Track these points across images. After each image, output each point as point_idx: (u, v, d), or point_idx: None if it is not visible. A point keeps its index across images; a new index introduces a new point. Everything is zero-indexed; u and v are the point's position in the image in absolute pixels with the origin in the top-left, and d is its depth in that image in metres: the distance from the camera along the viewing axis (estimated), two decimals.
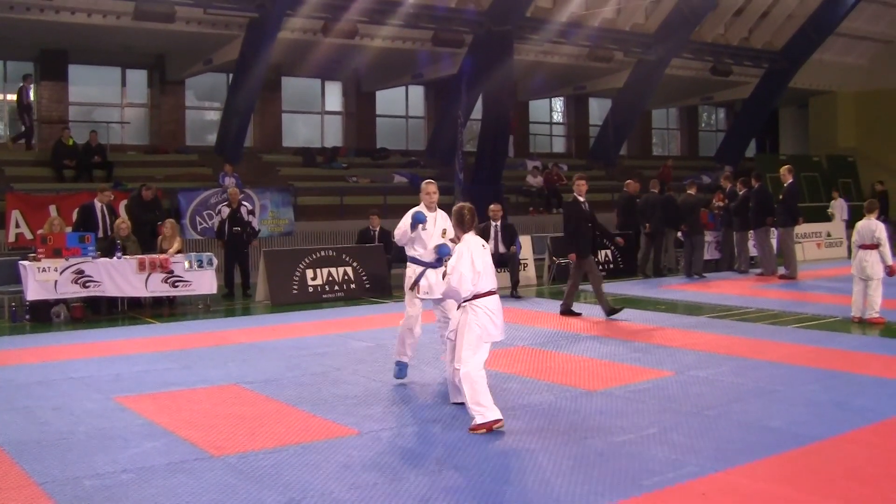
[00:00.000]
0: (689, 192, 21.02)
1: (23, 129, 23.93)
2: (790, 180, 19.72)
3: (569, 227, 14.55)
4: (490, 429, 7.61)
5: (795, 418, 8.00)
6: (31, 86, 24.07)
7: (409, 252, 9.75)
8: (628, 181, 22.57)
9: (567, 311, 14.53)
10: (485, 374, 7.88)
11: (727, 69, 32.51)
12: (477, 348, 7.88)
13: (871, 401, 8.62)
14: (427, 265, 9.56)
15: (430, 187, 9.84)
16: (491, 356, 10.90)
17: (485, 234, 17.41)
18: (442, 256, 9.14)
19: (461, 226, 8.32)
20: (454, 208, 8.48)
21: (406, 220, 9.55)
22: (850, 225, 21.14)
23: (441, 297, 8.85)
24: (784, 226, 19.76)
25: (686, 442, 7.30)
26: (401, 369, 9.70)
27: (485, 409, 7.66)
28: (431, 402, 8.80)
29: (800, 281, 19.10)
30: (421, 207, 9.68)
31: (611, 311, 14.20)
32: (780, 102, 37.02)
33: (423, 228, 9.57)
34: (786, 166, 20.23)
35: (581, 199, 14.32)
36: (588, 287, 15.26)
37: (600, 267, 20.66)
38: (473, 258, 7.97)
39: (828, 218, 27.50)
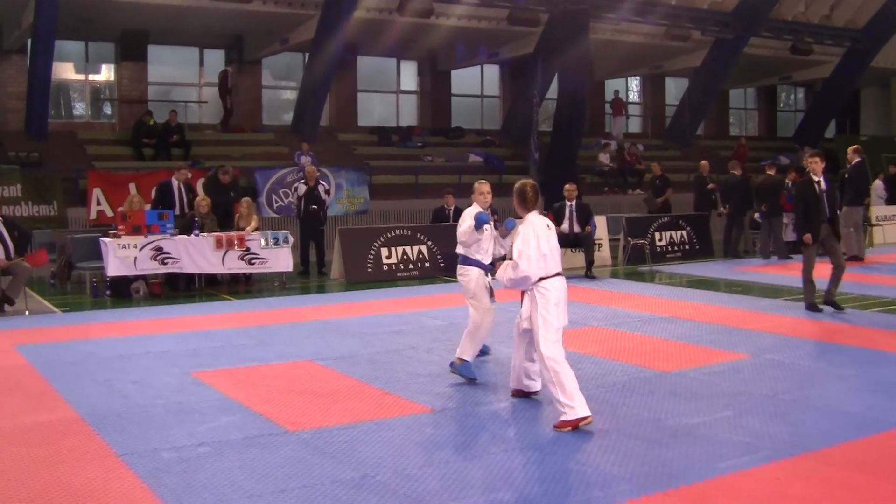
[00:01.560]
0: (768, 172, 20.72)
1: (224, 111, 26.08)
2: (857, 160, 19.33)
3: (798, 208, 13.21)
4: (576, 427, 7.15)
5: (874, 404, 7.88)
6: (230, 72, 25.96)
7: (469, 254, 9.16)
8: (702, 161, 22.44)
9: (813, 307, 12.88)
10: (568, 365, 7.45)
11: (807, 48, 31.85)
12: (556, 336, 7.50)
13: None
14: (487, 268, 9.17)
15: (484, 187, 9.35)
16: (565, 336, 10.92)
17: (559, 214, 17.36)
18: (481, 224, 8.89)
19: (524, 204, 7.82)
20: (516, 186, 7.93)
21: (468, 220, 9.00)
22: None
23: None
24: (851, 205, 19.42)
25: (760, 426, 7.22)
26: (470, 370, 8.91)
27: (570, 408, 7.18)
28: (505, 381, 8.79)
29: (885, 264, 18.74)
30: (475, 208, 9.17)
31: (810, 307, 12.88)
32: (862, 82, 36.21)
33: (485, 230, 9.05)
34: (852, 146, 19.83)
35: (815, 178, 12.75)
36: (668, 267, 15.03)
37: (675, 248, 20.52)
38: (539, 240, 7.51)
39: None
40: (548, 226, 7.76)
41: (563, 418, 7.20)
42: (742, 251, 20.91)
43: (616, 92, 33.81)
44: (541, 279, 7.54)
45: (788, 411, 7.65)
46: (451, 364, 8.94)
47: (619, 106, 33.41)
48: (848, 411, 7.63)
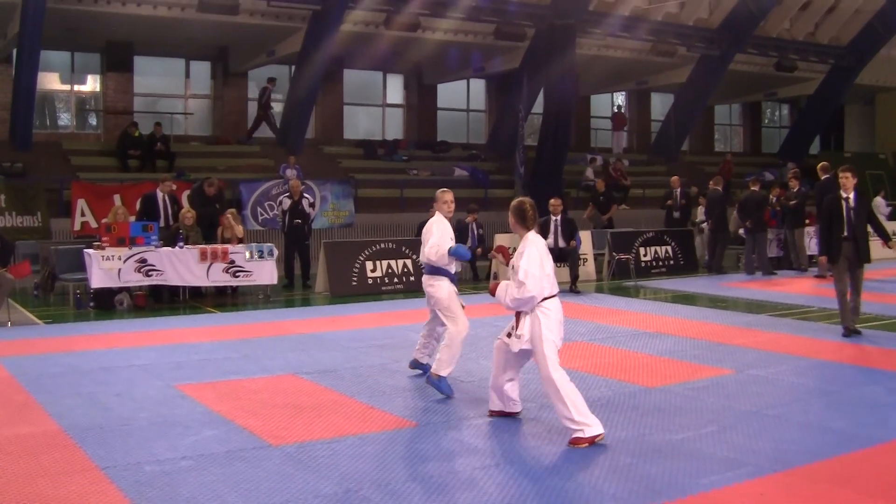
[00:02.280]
0: (752, 188, 20.78)
1: (264, 123, 26.56)
2: (824, 177, 19.35)
3: (822, 224, 12.77)
4: (592, 443, 7.11)
5: (857, 420, 7.90)
6: (270, 89, 26.33)
7: (442, 265, 9.12)
8: (673, 177, 22.79)
9: (850, 332, 12.13)
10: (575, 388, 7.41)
11: (792, 65, 32.03)
12: (556, 356, 7.42)
13: None
14: (455, 278, 9.30)
15: (447, 195, 9.32)
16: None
17: (544, 229, 17.37)
18: (459, 259, 9.20)
19: (523, 222, 7.59)
20: (513, 204, 7.73)
21: (436, 236, 9.05)
22: None
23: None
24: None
25: (745, 441, 7.23)
26: (442, 382, 8.83)
27: (586, 426, 7.14)
28: (489, 396, 8.78)
29: (866, 280, 18.77)
30: (440, 218, 9.22)
31: (846, 332, 12.15)
32: (846, 99, 36.44)
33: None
34: (821, 164, 19.81)
35: (845, 194, 12.15)
36: (660, 283, 15.05)
37: (660, 263, 20.55)
38: (542, 259, 7.39)
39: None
40: (543, 244, 7.63)
41: (577, 435, 7.13)
42: (724, 267, 20.99)
43: (619, 107, 34.11)
44: (543, 299, 7.41)
45: (772, 427, 7.66)
46: (428, 378, 8.96)
47: (621, 121, 33.68)
48: (832, 427, 7.65)
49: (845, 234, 12.03)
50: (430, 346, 9.64)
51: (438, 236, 9.05)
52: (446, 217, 9.27)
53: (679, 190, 22.40)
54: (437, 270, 9.12)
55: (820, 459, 6.74)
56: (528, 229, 7.61)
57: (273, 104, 26.64)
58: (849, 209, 12.07)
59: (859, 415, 8.09)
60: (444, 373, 8.79)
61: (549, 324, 7.38)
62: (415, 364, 9.78)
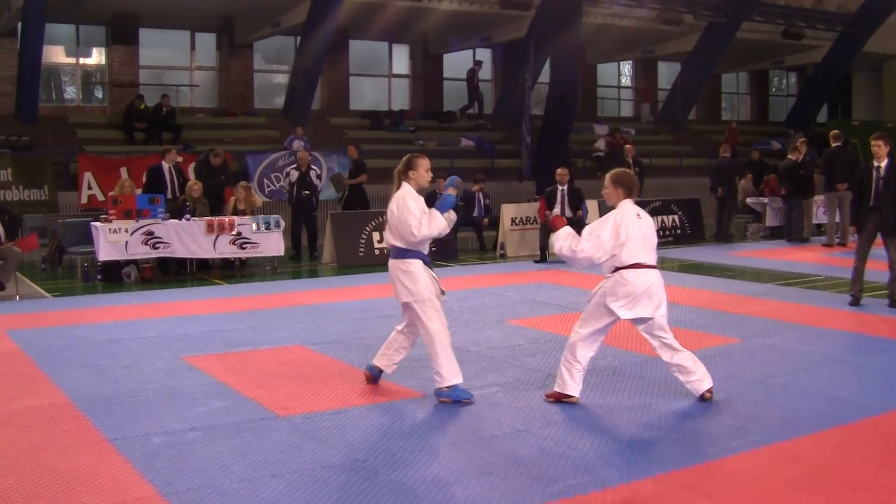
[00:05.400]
0: (723, 155, 20.96)
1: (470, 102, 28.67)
2: (835, 144, 19.24)
3: (854, 194, 12.52)
4: (558, 399, 7.39)
5: (864, 388, 7.90)
6: (477, 70, 27.66)
7: (412, 247, 7.70)
8: (627, 145, 22.77)
9: (854, 300, 12.15)
10: (591, 349, 7.50)
11: (799, 32, 31.81)
12: (593, 320, 7.45)
13: None
14: (425, 260, 7.78)
15: (426, 161, 7.84)
16: (556, 320, 11.00)
17: (551, 198, 17.35)
18: (448, 208, 7.65)
19: (629, 191, 7.48)
20: (620, 172, 7.61)
21: (416, 208, 7.58)
22: None
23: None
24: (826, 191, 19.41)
25: (751, 410, 7.24)
26: (456, 390, 7.63)
27: (564, 383, 7.39)
28: (496, 365, 8.81)
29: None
30: (409, 191, 7.70)
31: (852, 300, 12.14)
32: (854, 67, 36.21)
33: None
34: (833, 132, 19.75)
35: (877, 163, 11.84)
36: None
37: (667, 233, 20.51)
38: (620, 228, 7.23)
39: None
40: (638, 215, 7.45)
41: (554, 388, 7.48)
42: (732, 235, 21.00)
43: (645, 80, 34.36)
44: (617, 269, 7.33)
45: (779, 395, 7.67)
46: (439, 394, 7.64)
47: (648, 92, 33.76)
48: (838, 396, 7.65)
49: (872, 203, 11.84)
50: (403, 348, 8.13)
51: (420, 210, 7.60)
52: (420, 188, 7.83)
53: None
54: (406, 252, 7.70)
55: (826, 428, 6.75)
56: (628, 197, 7.48)
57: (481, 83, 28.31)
58: (878, 178, 11.83)
59: (866, 383, 8.10)
60: (455, 380, 7.61)
61: (614, 291, 7.32)
62: (373, 370, 8.22)
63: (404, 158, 7.84)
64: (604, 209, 19.99)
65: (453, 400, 7.53)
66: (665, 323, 7.54)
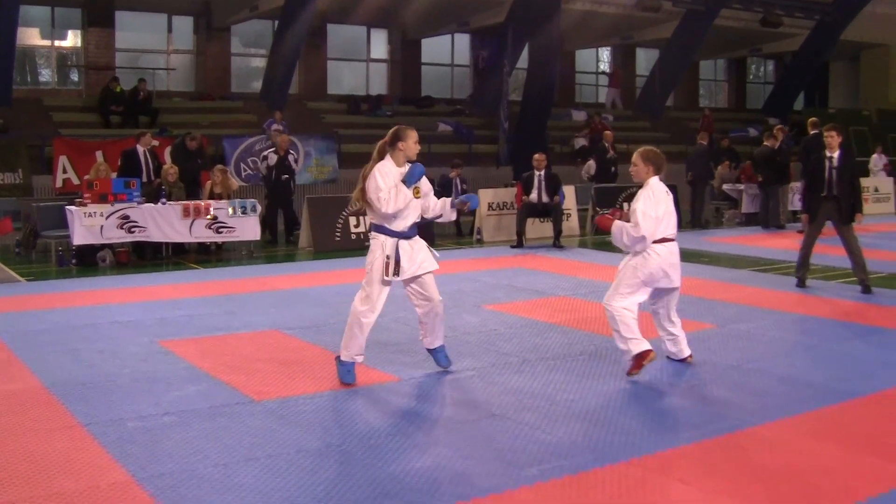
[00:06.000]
0: (700, 142, 21.05)
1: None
2: (813, 132, 19.32)
3: (805, 182, 12.84)
4: (640, 366, 7.69)
5: (837, 374, 7.95)
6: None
7: (381, 221, 7.62)
8: (606, 131, 22.88)
9: (800, 283, 12.56)
10: (635, 313, 7.83)
11: (777, 20, 31.88)
12: (635, 290, 7.84)
13: None
14: (401, 236, 7.61)
15: (415, 134, 7.73)
16: (532, 305, 11.03)
17: (528, 184, 17.37)
18: (416, 180, 7.54)
19: (659, 169, 7.97)
20: (650, 150, 8.06)
21: (389, 183, 7.47)
22: None
23: (413, 274, 7.63)
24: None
25: (725, 395, 7.29)
26: (349, 371, 7.69)
27: (629, 350, 7.71)
28: (472, 350, 8.81)
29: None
30: (390, 164, 7.62)
31: (798, 282, 12.54)
32: (831, 55, 36.38)
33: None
34: (811, 119, 19.88)
35: (829, 153, 12.04)
36: None
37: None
38: (658, 203, 7.78)
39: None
40: (666, 191, 7.96)
41: (625, 357, 7.80)
42: (704, 221, 21.10)
43: (615, 65, 34.27)
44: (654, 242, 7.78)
45: (754, 381, 7.71)
46: (337, 359, 7.77)
47: (618, 78, 33.74)
48: (812, 381, 7.70)
49: (825, 193, 12.05)
50: (427, 326, 8.02)
51: (388, 186, 7.46)
52: (401, 162, 7.66)
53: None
54: (375, 227, 7.67)
55: (801, 412, 6.79)
56: (657, 174, 7.95)
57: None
58: (831, 168, 12.04)
59: (840, 368, 8.14)
60: (347, 360, 7.67)
61: (646, 264, 7.78)
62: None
63: (392, 130, 7.76)
64: (581, 195, 20.12)
65: (340, 379, 7.63)
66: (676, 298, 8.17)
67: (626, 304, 7.79)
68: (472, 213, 18.02)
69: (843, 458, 5.88)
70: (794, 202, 21.35)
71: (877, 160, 26.29)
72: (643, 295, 7.89)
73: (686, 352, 8.24)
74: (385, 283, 7.57)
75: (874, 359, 8.53)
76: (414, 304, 7.90)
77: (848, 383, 7.60)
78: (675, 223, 8.00)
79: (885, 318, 10.42)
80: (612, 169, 21.93)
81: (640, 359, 7.66)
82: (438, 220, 8.22)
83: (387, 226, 7.56)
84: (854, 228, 12.13)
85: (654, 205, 7.74)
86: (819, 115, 25.68)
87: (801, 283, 12.53)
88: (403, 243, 7.58)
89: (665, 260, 7.81)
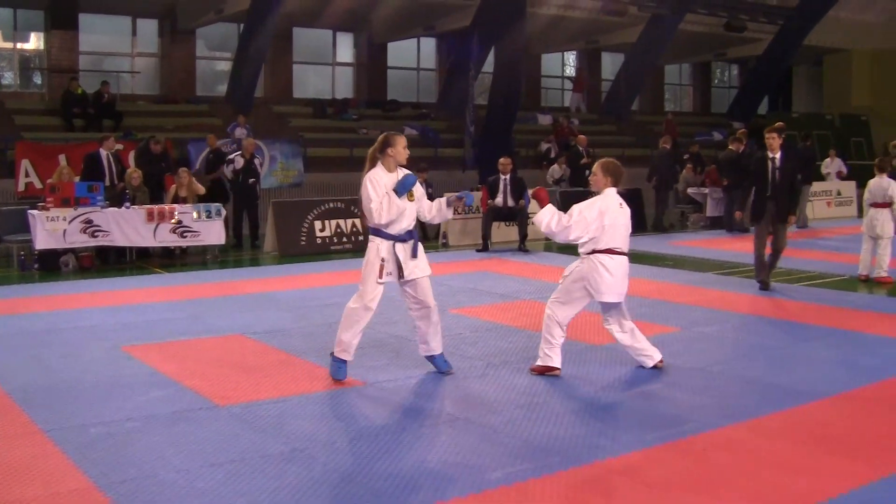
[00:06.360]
0: (663, 146, 21.19)
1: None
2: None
3: (747, 183, 13.23)
4: (542, 373, 7.96)
5: (799, 376, 8.02)
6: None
7: (376, 225, 7.75)
8: (580, 136, 23.03)
9: (763, 284, 12.68)
10: (563, 329, 8.01)
11: (741, 25, 32.15)
12: (571, 300, 7.97)
13: (876, 359, 8.64)
14: (397, 239, 7.79)
15: (404, 140, 7.85)
16: (497, 309, 11.05)
17: (494, 188, 17.39)
18: (406, 190, 7.66)
19: (617, 180, 8.00)
20: (608, 161, 8.07)
21: (384, 192, 7.60)
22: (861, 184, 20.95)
23: (408, 278, 7.83)
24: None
25: (689, 397, 7.33)
26: (340, 368, 7.91)
27: (546, 357, 8.01)
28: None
29: (809, 239, 19.05)
30: (381, 172, 7.74)
31: (761, 284, 12.71)
32: (795, 60, 36.71)
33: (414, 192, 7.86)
34: (777, 124, 19.98)
35: (771, 154, 12.46)
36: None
37: None
38: (604, 213, 7.76)
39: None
40: (620, 204, 7.96)
41: (537, 363, 8.07)
42: (669, 224, 21.23)
43: (579, 69, 34.36)
44: (594, 251, 7.83)
45: (716, 383, 7.77)
46: (332, 356, 7.95)
47: (581, 82, 33.86)
48: (774, 383, 7.76)
49: (769, 192, 12.41)
50: (422, 331, 8.13)
51: (380, 194, 7.60)
52: (394, 169, 7.80)
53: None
54: (372, 231, 7.82)
55: (763, 414, 6.84)
56: (612, 185, 7.99)
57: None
58: (774, 169, 12.42)
59: (801, 371, 8.21)
60: (345, 357, 7.87)
61: (589, 273, 7.84)
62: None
63: (381, 137, 7.89)
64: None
65: (332, 374, 7.87)
66: (625, 306, 8.17)
67: (558, 312, 8.00)
68: (469, 209, 18.07)
69: (807, 459, 5.93)
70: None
71: (828, 164, 26.47)
72: (580, 303, 8.03)
73: (655, 358, 8.23)
74: (379, 284, 7.77)
75: (834, 360, 8.63)
76: (408, 307, 8.08)
77: (809, 385, 7.67)
78: (626, 238, 8.00)
79: (845, 321, 10.51)
80: (587, 173, 22.03)
81: (546, 370, 8.01)
82: (435, 222, 8.51)
83: (382, 229, 7.74)
84: (787, 229, 12.69)
85: (595, 209, 7.78)
86: (783, 119, 25.89)
87: (764, 286, 12.62)
88: (399, 246, 7.78)
89: (612, 273, 7.82)
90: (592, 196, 8.01)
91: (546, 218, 7.81)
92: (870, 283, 13.23)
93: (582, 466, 5.75)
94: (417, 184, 7.85)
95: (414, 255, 7.88)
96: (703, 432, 6.42)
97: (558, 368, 7.97)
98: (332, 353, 7.94)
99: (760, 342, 9.44)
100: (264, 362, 8.54)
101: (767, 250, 12.66)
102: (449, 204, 8.06)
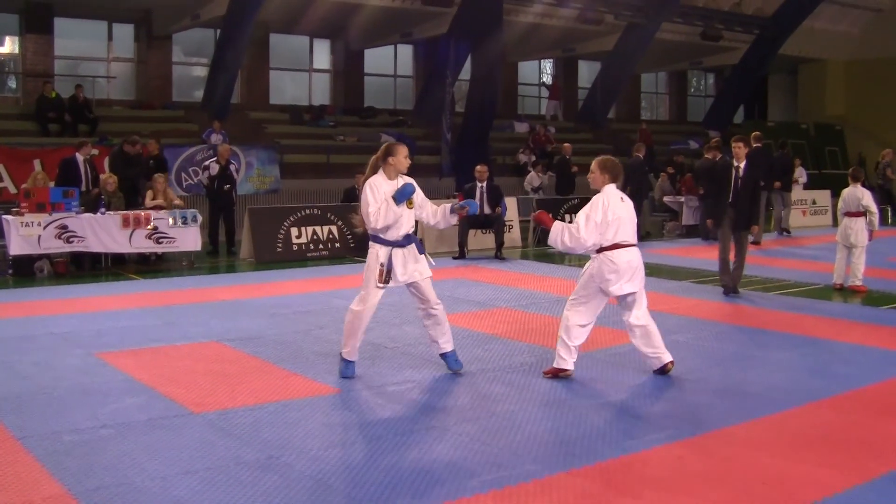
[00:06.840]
0: (636, 154, 21.25)
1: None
2: (755, 146, 19.65)
3: (711, 190, 13.54)
4: (556, 375, 8.11)
5: (773, 384, 8.06)
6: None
7: (376, 232, 8.09)
8: (565, 144, 23.20)
9: (730, 291, 12.93)
10: (581, 331, 8.15)
11: (717, 34, 32.39)
12: (589, 298, 8.11)
13: (849, 368, 8.70)
14: (395, 244, 8.07)
15: (405, 149, 8.26)
16: (474, 317, 11.05)
17: (470, 195, 17.42)
18: (405, 198, 7.96)
19: (615, 177, 8.17)
20: (605, 159, 8.29)
21: (378, 198, 7.93)
22: (836, 193, 21.09)
23: (406, 281, 8.08)
24: None
25: (664, 406, 7.37)
26: (348, 366, 8.25)
27: (560, 359, 8.13)
28: (412, 362, 8.82)
29: (783, 248, 19.16)
30: (382, 179, 8.09)
31: (725, 290, 12.96)
32: (770, 69, 37.00)
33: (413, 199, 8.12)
34: (753, 133, 20.10)
35: (736, 163, 12.73)
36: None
37: None
38: (607, 208, 7.91)
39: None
40: (621, 198, 8.11)
41: (553, 364, 8.19)
42: (645, 233, 21.30)
43: (555, 77, 34.45)
44: (602, 249, 7.96)
45: (691, 391, 7.80)
46: (341, 357, 8.28)
47: (557, 90, 34.00)
48: (748, 392, 7.79)
49: (730, 199, 12.70)
50: (430, 330, 8.39)
51: (378, 201, 7.92)
52: (393, 177, 8.11)
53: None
54: (371, 237, 8.13)
55: (737, 423, 6.87)
56: (612, 182, 8.16)
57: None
58: (737, 177, 12.70)
59: (775, 379, 8.25)
60: (352, 358, 8.22)
61: (600, 270, 7.98)
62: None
63: (383, 146, 8.29)
64: (523, 207, 20.20)
65: (341, 373, 8.20)
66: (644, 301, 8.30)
67: (575, 313, 8.13)
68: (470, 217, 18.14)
69: (780, 466, 5.96)
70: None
71: (801, 173, 26.63)
72: (595, 303, 8.14)
73: (665, 359, 8.32)
74: (379, 287, 8.06)
75: (808, 369, 8.68)
76: (417, 307, 8.38)
77: (783, 393, 7.71)
78: (633, 229, 8.15)
79: (819, 329, 10.57)
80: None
81: (558, 371, 8.14)
82: (439, 227, 8.72)
83: (381, 236, 8.06)
84: (748, 238, 13.07)
85: (599, 211, 7.89)
86: (758, 127, 26.06)
87: (727, 291, 12.90)
88: (397, 251, 8.06)
89: (621, 266, 7.94)
90: (581, 201, 8.10)
91: (557, 236, 7.98)
92: (844, 291, 13.33)
93: (556, 474, 5.75)
94: (418, 191, 8.14)
95: (415, 256, 8.15)
96: (679, 440, 6.44)
97: (569, 371, 8.11)
98: (340, 354, 8.29)
99: (734, 350, 9.49)
100: (240, 369, 8.52)
101: (732, 257, 12.90)
102: (452, 211, 8.30)
